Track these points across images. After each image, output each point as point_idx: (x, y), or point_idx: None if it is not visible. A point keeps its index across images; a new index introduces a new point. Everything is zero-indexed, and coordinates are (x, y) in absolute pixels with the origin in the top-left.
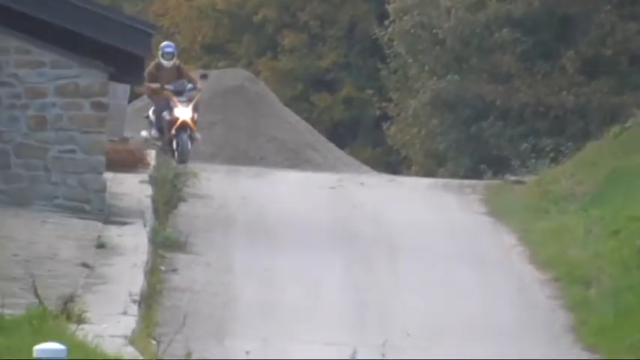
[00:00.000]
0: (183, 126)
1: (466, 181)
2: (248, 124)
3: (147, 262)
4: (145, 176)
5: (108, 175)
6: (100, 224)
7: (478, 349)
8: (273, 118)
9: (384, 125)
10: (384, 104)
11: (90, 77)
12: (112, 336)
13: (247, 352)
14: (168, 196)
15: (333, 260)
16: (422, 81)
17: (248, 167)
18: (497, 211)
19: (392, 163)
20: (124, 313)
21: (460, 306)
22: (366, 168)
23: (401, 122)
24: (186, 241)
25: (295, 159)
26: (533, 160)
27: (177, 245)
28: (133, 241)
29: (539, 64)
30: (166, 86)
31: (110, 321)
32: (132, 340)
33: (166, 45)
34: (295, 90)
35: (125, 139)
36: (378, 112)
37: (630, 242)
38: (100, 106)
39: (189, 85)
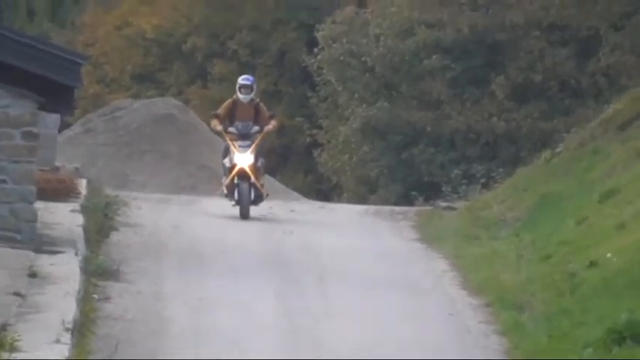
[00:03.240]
0: (242, 174)
1: (397, 208)
2: (178, 153)
3: (79, 291)
4: (76, 205)
5: (39, 205)
6: (31, 253)
7: None
8: (204, 147)
9: (315, 152)
10: (314, 131)
11: (20, 107)
12: None
13: None
14: (100, 225)
15: (265, 287)
16: (352, 108)
17: (178, 196)
18: (428, 237)
19: (323, 191)
20: (57, 341)
21: (392, 331)
22: (296, 195)
23: (332, 149)
24: (118, 269)
25: None
26: (464, 186)
27: (109, 273)
28: (65, 269)
29: (468, 90)
30: (229, 129)
31: (43, 349)
32: None
33: (244, 78)
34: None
35: (56, 169)
36: (308, 140)
37: (561, 267)
38: (30, 136)
39: (255, 128)
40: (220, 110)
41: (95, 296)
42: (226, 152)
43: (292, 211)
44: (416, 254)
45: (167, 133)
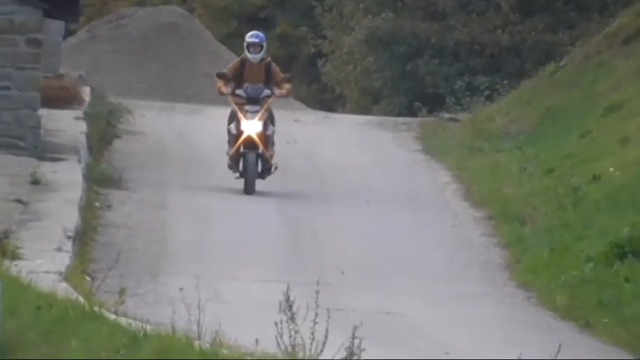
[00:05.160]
0: (249, 143)
1: (401, 119)
2: (183, 61)
3: (81, 199)
4: (79, 113)
5: (42, 112)
6: (34, 160)
7: (412, 286)
8: (208, 55)
9: (319, 62)
10: (318, 41)
11: (24, 14)
12: (47, 272)
13: (181, 289)
14: (103, 133)
15: (267, 198)
16: (357, 19)
17: (183, 104)
18: (431, 148)
19: (327, 101)
20: (59, 249)
21: (394, 244)
22: (300, 105)
23: (336, 60)
24: (120, 177)
25: None
26: (468, 98)
27: (111, 181)
28: (67, 177)
29: (474, 2)
30: (237, 91)
31: (45, 257)
32: (66, 276)
33: (252, 35)
34: (230, 27)
35: (60, 76)
36: (312, 50)
37: (564, 180)
38: (34, 43)
39: (266, 91)
40: (226, 70)
41: (97, 204)
42: (232, 117)
43: (296, 120)
44: (419, 166)
45: (171, 41)
